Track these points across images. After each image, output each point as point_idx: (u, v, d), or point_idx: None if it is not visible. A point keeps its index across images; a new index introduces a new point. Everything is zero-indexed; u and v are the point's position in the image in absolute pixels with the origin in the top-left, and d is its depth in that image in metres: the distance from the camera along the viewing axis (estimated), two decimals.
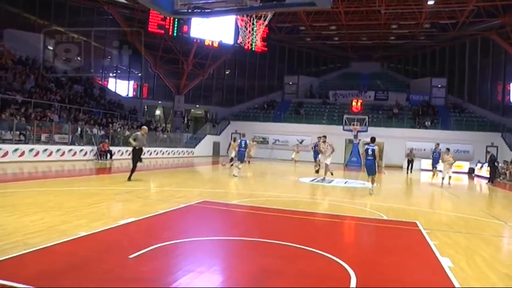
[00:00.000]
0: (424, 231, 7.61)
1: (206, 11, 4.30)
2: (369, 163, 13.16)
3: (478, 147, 33.63)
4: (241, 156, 17.10)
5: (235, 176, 16.16)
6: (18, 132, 20.55)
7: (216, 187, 11.53)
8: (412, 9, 32.95)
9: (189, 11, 4.28)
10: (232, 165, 19.23)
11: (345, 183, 18.53)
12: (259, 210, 9.28)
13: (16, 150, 19.38)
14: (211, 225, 7.64)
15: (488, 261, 5.84)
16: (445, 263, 5.49)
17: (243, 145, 17.09)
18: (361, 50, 46.55)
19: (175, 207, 7.98)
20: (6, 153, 18.82)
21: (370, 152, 13.02)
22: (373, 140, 13.46)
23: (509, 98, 37.08)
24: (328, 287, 4.48)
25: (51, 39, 29.69)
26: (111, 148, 24.33)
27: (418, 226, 8.17)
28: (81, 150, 22.86)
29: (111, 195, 9.89)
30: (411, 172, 27.91)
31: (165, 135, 34.49)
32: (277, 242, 6.19)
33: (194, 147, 35.69)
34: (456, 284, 4.65)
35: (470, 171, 31.58)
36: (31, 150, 20.16)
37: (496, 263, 5.86)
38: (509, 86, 37.20)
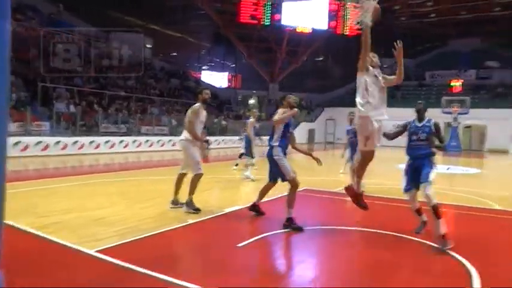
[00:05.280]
0: None
1: None
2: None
3: None
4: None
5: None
6: (122, 125, 22.13)
7: (315, 174, 11.30)
8: None
9: None
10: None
11: (448, 169, 17.45)
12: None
13: (121, 141, 20.84)
14: (316, 214, 7.56)
15: None
16: None
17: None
18: (460, 26, 43.19)
19: (278, 195, 7.98)
20: (113, 145, 20.31)
21: None
22: None
23: None
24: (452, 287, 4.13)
25: (149, 38, 31.57)
26: (208, 138, 25.15)
27: None
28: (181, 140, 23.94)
29: (213, 183, 10.15)
30: None
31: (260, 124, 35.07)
32: (388, 232, 5.92)
33: None
34: None
35: None
36: (134, 141, 21.57)
37: None
38: None
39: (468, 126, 34.68)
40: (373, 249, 5.33)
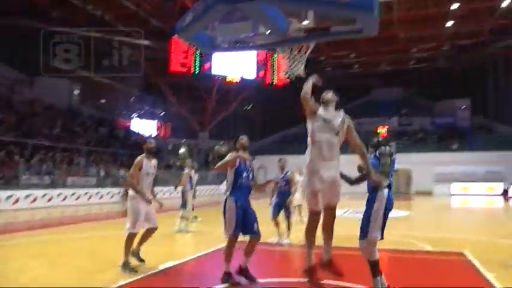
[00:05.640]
0: (475, 262, 7.07)
1: (248, 45, 4.18)
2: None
3: (510, 167, 32.40)
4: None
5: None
6: (46, 177, 20.83)
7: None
8: (431, 32, 32.79)
9: (230, 45, 4.17)
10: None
11: None
12: (294, 247, 8.78)
13: (45, 195, 19.52)
14: (255, 267, 7.28)
15: None
16: None
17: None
18: (382, 77, 46.45)
19: (213, 248, 7.67)
20: (35, 199, 18.94)
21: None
22: None
23: None
24: None
25: (77, 84, 30.62)
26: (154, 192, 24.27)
27: (467, 256, 7.62)
28: (108, 193, 22.87)
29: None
30: None
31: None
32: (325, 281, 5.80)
33: (221, 184, 35.46)
34: None
35: (504, 193, 30.47)
36: (59, 194, 20.28)
37: None
38: None
39: (395, 170, 36.33)
40: None
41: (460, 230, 11.80)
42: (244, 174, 5.60)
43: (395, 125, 42.74)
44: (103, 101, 35.92)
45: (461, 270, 6.93)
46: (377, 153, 4.97)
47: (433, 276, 6.49)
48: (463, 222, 12.87)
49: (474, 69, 42.51)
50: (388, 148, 5.06)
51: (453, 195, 31.11)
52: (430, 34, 33.33)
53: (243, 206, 5.52)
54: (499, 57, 38.20)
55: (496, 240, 9.76)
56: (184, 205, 10.93)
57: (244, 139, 5.86)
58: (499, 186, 31.57)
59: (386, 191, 4.83)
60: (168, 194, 27.20)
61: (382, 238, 4.85)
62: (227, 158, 5.63)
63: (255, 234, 5.60)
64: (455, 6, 27.18)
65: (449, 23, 30.31)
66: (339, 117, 4.84)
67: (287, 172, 9.10)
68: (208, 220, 13.08)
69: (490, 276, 6.02)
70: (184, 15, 3.83)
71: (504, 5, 26.96)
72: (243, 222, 5.51)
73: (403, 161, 34.54)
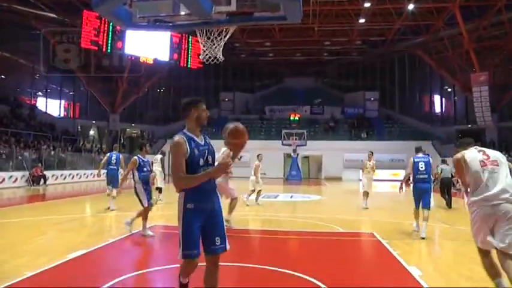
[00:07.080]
0: (383, 242, 7.63)
1: (168, 24, 4.02)
2: (424, 187, 8.87)
3: (412, 156, 34.90)
4: (112, 178, 11.89)
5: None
6: None
7: (162, 209, 11.03)
8: (344, 27, 34.09)
9: (149, 24, 3.98)
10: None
11: (291, 197, 18.53)
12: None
13: None
14: (171, 252, 7.14)
15: (451, 266, 6.00)
16: (415, 272, 5.47)
17: (114, 161, 12.05)
18: (295, 66, 47.64)
19: (125, 234, 7.41)
20: None
21: (421, 166, 9.00)
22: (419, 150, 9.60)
23: (435, 108, 40.36)
24: None
25: None
26: (45, 173, 22.79)
27: (376, 237, 8.20)
28: (11, 177, 21.18)
29: (51, 226, 9.07)
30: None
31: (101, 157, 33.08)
32: (240, 264, 5.86)
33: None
34: None
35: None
36: None
37: (459, 266, 5.96)
38: (434, 98, 40.96)
39: (306, 157, 37.91)
40: (231, 282, 5.14)
41: (368, 213, 12.51)
42: (201, 162, 3.71)
43: (307, 113, 44.22)
44: (3, 76, 33.11)
45: (373, 249, 7.45)
46: None
47: (349, 255, 6.96)
48: (371, 205, 13.60)
49: (383, 64, 45.31)
50: None
51: (361, 180, 32.90)
52: (343, 29, 34.63)
53: (199, 212, 3.61)
54: (405, 54, 40.95)
55: (399, 221, 10.51)
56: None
57: (201, 105, 4.08)
58: (402, 173, 33.93)
59: None
60: (78, 177, 26.10)
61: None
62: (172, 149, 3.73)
63: (213, 254, 3.69)
64: (367, 4, 28.50)
65: (362, 20, 31.75)
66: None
67: None
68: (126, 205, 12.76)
69: (396, 254, 6.58)
70: None
71: (410, 8, 28.88)
72: (196, 236, 3.65)
73: (314, 148, 36.08)
